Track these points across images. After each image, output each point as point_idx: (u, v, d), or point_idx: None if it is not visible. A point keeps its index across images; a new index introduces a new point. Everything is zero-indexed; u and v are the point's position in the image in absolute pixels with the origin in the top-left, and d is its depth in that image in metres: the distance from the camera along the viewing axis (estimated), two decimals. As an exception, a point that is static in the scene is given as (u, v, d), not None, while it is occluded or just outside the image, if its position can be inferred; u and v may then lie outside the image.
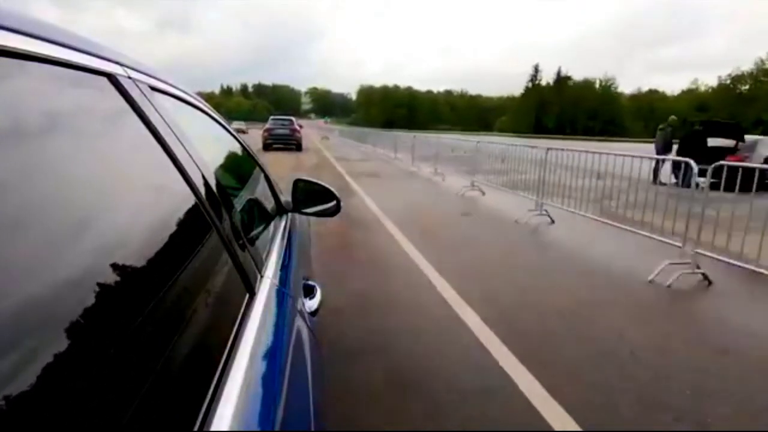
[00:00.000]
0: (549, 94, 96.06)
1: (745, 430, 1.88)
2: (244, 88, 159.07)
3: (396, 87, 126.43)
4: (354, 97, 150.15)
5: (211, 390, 0.52)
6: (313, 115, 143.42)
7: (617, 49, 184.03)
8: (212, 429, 0.47)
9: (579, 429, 1.82)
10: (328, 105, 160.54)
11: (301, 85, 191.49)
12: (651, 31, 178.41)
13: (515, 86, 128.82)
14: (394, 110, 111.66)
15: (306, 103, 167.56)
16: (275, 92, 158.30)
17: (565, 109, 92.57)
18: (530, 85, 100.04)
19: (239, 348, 0.63)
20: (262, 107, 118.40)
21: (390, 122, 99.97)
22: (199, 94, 1.11)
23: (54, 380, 0.32)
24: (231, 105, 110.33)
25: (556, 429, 1.81)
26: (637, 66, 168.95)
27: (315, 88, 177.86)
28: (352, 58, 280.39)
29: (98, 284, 0.42)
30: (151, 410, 0.41)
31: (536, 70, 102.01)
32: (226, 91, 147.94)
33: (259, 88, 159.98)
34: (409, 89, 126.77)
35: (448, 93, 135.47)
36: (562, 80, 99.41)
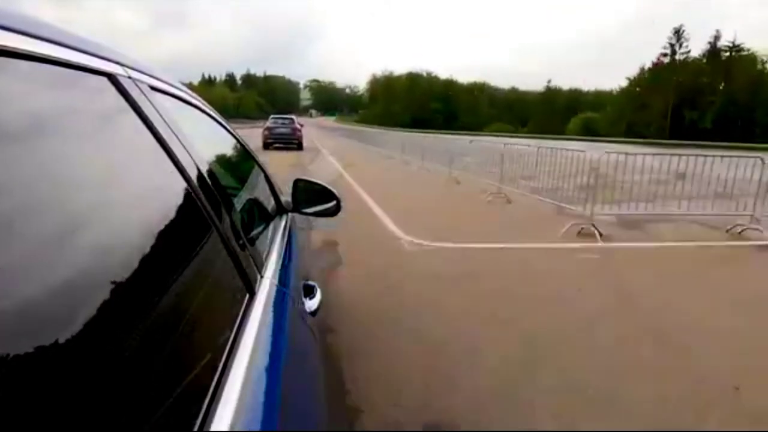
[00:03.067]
0: (700, 74, 56.35)
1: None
2: (230, 78, 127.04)
3: (428, 75, 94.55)
4: (362, 90, 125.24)
5: (211, 390, 0.52)
6: (313, 112, 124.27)
7: (626, 45, 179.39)
8: (212, 429, 0.47)
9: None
10: (331, 100, 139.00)
11: (300, 79, 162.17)
12: (661, 27, 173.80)
13: (527, 84, 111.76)
14: (426, 105, 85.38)
15: (305, 100, 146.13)
16: (268, 84, 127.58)
17: (734, 98, 51.93)
18: (660, 61, 59.77)
19: (239, 348, 0.63)
20: (250, 101, 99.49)
21: (420, 121, 76.92)
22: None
23: (54, 380, 0.32)
24: (212, 98, 72.41)
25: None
26: (645, 63, 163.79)
27: (316, 81, 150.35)
28: (353, 59, 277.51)
29: (98, 284, 0.42)
30: (151, 410, 0.41)
31: (678, 35, 58.94)
32: (208, 82, 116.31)
33: (249, 79, 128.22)
34: (435, 78, 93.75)
35: (474, 85, 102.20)
36: (720, 52, 56.45)
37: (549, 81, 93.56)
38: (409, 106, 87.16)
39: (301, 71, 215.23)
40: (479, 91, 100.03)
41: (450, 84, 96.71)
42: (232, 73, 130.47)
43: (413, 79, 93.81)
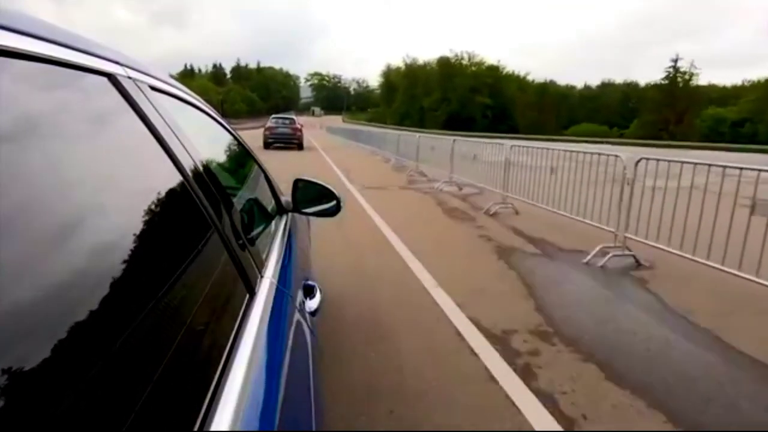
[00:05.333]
0: None
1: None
2: (217, 69, 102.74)
3: (470, 59, 68.21)
4: (372, 85, 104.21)
5: (212, 390, 0.52)
6: (316, 110, 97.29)
7: (629, 44, 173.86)
8: (212, 429, 0.47)
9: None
10: (337, 97, 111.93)
11: (301, 74, 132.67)
12: (665, 24, 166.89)
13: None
14: (470, 99, 62.85)
15: (306, 98, 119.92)
16: (262, 77, 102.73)
17: None
18: None
19: (239, 348, 0.63)
20: (237, 97, 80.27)
21: (460, 120, 59.06)
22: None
23: (54, 381, 0.32)
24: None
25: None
26: (649, 62, 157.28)
27: (319, 75, 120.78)
28: (356, 57, 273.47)
29: (98, 284, 0.42)
30: (151, 410, 0.41)
31: None
32: (188, 74, 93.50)
33: (239, 72, 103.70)
34: (480, 64, 68.07)
35: (513, 76, 73.37)
36: None
37: (676, 60, 56.39)
38: (446, 101, 64.62)
39: (301, 67, 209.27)
40: (525, 83, 71.83)
41: (497, 72, 68.66)
42: (220, 64, 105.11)
43: (448, 65, 67.88)
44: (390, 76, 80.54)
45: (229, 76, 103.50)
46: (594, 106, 71.30)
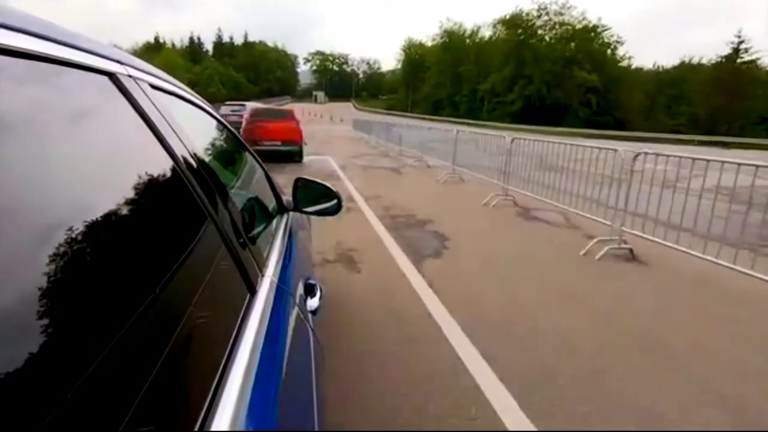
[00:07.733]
0: None
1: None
2: (194, 43, 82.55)
3: (558, 15, 43.23)
4: (389, 66, 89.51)
5: (212, 389, 0.52)
6: (320, 95, 77.82)
7: (639, 31, 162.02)
8: (212, 429, 0.47)
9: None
10: (343, 80, 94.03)
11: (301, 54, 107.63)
12: (679, 10, 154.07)
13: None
14: (562, 74, 40.25)
15: (306, 84, 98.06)
16: (250, 54, 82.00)
17: None
18: None
19: (240, 347, 0.63)
20: (216, 77, 63.70)
21: (540, 108, 39.76)
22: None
23: (54, 380, 0.32)
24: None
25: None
26: (661, 49, 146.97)
27: (322, 54, 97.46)
28: (358, 48, 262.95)
29: (100, 283, 0.42)
30: (151, 410, 0.42)
31: None
32: (154, 48, 72.66)
33: (222, 47, 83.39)
34: (577, 27, 42.84)
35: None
36: None
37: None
38: (523, 80, 42.10)
39: (300, 52, 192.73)
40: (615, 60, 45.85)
41: (594, 36, 43.22)
42: (198, 38, 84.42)
43: (522, 26, 44.02)
44: (412, 54, 61.00)
45: (211, 53, 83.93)
46: (676, 93, 48.12)
